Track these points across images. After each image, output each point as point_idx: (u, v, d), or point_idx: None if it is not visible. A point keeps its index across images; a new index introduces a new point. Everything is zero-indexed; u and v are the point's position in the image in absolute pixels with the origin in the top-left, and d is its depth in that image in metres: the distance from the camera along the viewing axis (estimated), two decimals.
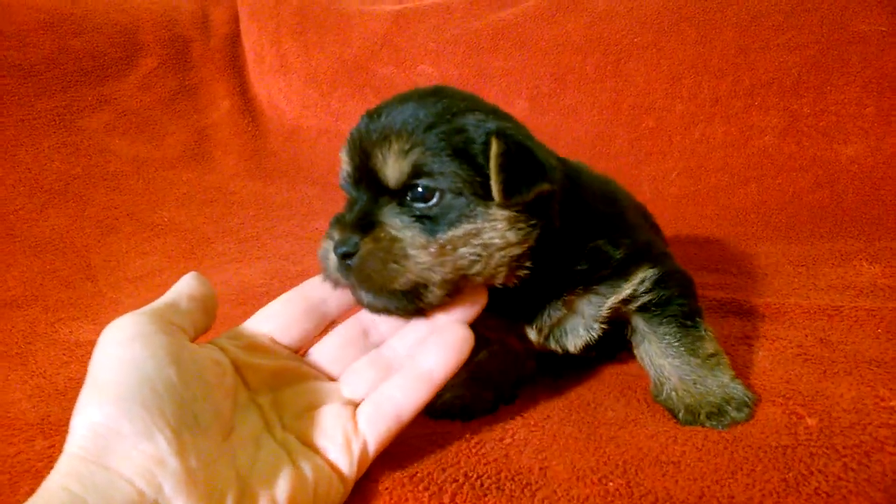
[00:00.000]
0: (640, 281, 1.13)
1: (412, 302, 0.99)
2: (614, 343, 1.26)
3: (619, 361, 1.43)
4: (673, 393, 1.16)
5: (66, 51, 2.82)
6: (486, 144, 0.97)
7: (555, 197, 1.04)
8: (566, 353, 1.20)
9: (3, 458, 1.17)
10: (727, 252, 2.06)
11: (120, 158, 2.71)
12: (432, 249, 0.97)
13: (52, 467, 1.15)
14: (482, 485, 1.00)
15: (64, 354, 1.64)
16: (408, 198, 0.99)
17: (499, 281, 1.04)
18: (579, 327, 1.16)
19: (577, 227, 1.10)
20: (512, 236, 1.00)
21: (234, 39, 3.33)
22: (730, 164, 2.45)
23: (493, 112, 1.05)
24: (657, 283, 1.13)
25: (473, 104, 1.05)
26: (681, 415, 1.13)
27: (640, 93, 2.57)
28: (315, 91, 3.17)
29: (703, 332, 1.16)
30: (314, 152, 3.08)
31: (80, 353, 1.64)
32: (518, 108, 2.67)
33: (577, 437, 1.12)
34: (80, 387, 1.46)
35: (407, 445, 1.14)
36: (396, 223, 0.98)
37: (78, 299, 1.96)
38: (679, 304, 1.15)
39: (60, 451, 1.18)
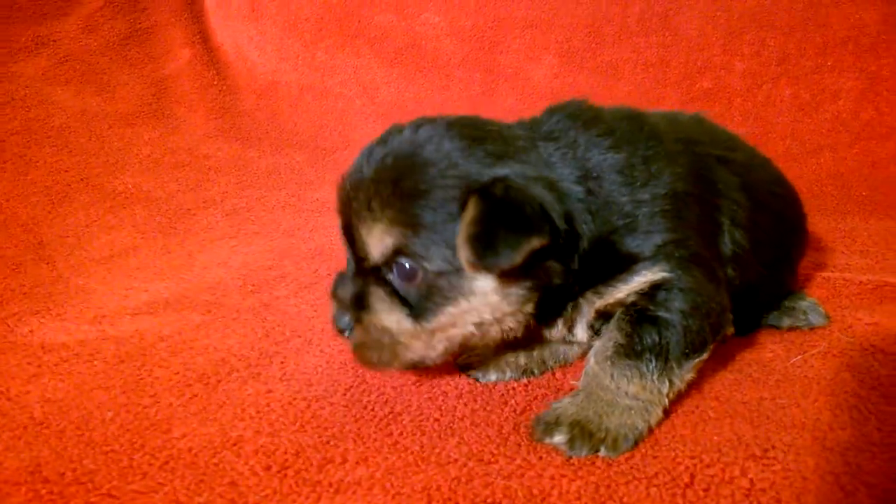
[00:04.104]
0: (628, 292, 1.00)
1: (414, 368, 1.04)
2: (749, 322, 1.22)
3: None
4: (574, 396, 1.00)
5: None
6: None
7: (557, 249, 0.92)
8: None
9: None
10: (820, 227, 1.80)
11: (65, 112, 2.22)
12: (423, 337, 0.96)
13: None
14: None
15: (29, 364, 1.22)
16: (393, 273, 0.94)
17: (501, 339, 1.02)
18: (584, 324, 1.06)
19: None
20: (506, 307, 0.95)
21: None
22: (799, 130, 2.22)
23: (503, 140, 0.96)
24: (636, 305, 1.00)
25: (480, 138, 0.95)
26: (559, 434, 0.94)
27: (693, 48, 2.27)
28: (296, 41, 2.72)
29: (645, 371, 0.97)
30: (296, 112, 2.65)
31: (52, 362, 1.22)
32: (545, 66, 2.31)
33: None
34: (63, 413, 1.06)
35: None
36: (383, 308, 0.95)
37: (33, 287, 1.51)
38: (647, 335, 0.97)
39: None
